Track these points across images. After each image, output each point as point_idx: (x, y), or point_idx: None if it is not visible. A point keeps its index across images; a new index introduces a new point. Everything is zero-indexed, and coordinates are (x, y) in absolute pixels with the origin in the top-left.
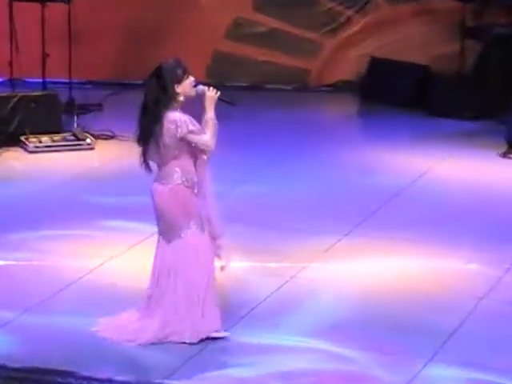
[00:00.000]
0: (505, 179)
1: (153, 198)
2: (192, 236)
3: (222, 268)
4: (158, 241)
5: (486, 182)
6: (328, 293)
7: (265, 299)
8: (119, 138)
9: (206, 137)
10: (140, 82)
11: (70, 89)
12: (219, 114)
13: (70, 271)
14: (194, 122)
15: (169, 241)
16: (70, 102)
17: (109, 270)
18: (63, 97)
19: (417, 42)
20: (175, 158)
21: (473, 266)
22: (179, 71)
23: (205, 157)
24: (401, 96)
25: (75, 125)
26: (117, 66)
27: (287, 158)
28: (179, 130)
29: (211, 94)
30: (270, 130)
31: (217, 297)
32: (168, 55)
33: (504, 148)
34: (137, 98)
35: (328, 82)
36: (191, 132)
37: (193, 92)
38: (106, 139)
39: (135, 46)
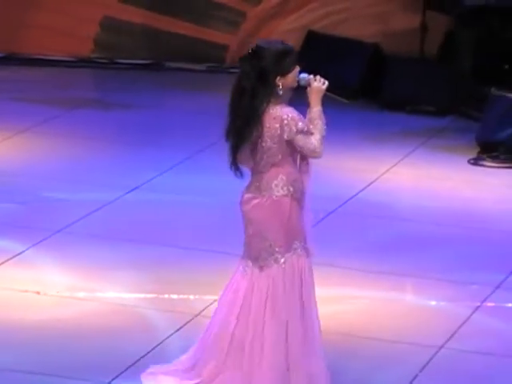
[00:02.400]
0: (476, 194)
1: (246, 213)
2: (296, 261)
3: None
4: (244, 270)
5: (451, 196)
6: None
7: (161, 342)
8: None
9: (315, 140)
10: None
11: None
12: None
13: None
14: (302, 117)
15: (261, 267)
16: None
17: None
18: None
19: (366, 13)
20: (277, 165)
21: (433, 304)
22: (287, 61)
23: (308, 163)
24: (345, 83)
25: None
26: None
27: (193, 159)
28: (286, 129)
29: (318, 84)
30: (175, 123)
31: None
32: (43, 23)
33: (475, 152)
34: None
35: None
36: (300, 132)
37: (295, 83)
38: None
39: (2, 10)
